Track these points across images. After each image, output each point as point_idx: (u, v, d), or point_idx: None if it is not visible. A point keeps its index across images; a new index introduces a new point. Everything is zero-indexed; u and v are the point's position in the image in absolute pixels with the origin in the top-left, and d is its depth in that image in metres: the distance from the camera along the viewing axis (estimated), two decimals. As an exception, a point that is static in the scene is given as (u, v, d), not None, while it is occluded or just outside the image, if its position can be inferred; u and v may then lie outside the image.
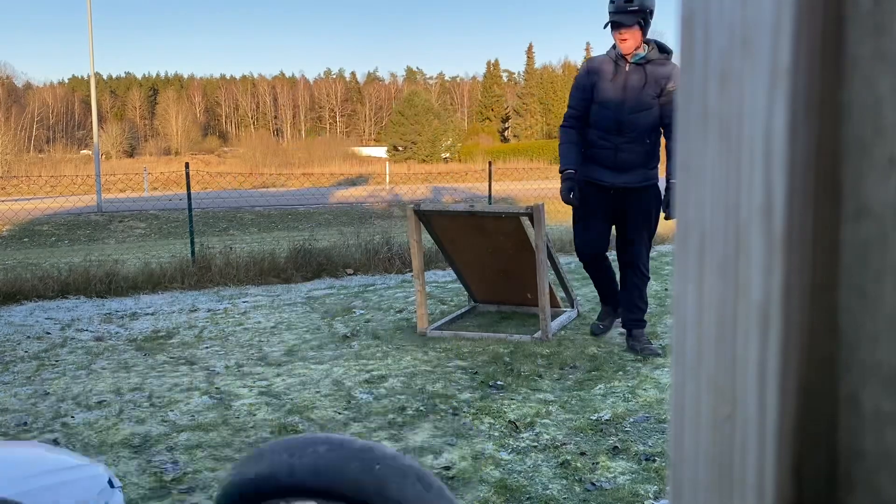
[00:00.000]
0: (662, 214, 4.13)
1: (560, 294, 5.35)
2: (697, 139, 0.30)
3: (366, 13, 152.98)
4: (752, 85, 0.28)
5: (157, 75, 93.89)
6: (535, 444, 3.01)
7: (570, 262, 6.51)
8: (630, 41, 3.97)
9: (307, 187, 24.81)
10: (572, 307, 5.33)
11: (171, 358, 4.36)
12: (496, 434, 3.12)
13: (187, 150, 67.82)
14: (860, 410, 0.28)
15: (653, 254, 8.18)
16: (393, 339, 4.69)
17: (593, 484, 2.65)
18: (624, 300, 4.31)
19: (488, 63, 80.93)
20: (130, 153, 68.02)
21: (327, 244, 7.97)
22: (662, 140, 4.14)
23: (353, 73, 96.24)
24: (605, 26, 4.05)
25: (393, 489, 0.57)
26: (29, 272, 6.70)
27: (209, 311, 5.64)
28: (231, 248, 7.79)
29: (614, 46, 4.07)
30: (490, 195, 11.26)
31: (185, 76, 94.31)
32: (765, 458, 0.28)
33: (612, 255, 4.49)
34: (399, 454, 0.61)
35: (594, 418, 3.27)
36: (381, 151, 57.70)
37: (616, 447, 2.96)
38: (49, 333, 4.96)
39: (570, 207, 4.30)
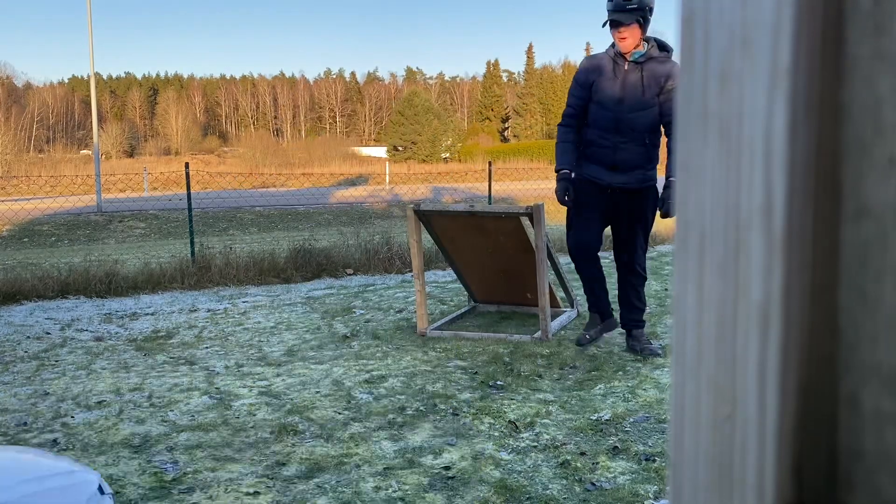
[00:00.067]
0: (659, 213, 4.09)
1: (560, 294, 5.35)
2: (697, 139, 0.30)
3: (366, 13, 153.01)
4: (752, 85, 0.28)
5: (157, 75, 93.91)
6: (535, 444, 3.01)
7: (569, 262, 6.50)
8: (629, 39, 3.93)
9: (307, 187, 24.80)
10: (572, 307, 5.33)
11: (171, 358, 4.36)
12: (496, 434, 3.12)
13: (187, 150, 67.81)
14: (860, 410, 0.28)
15: (653, 254, 8.20)
16: (393, 339, 4.69)
17: (593, 484, 2.65)
18: (622, 300, 4.30)
19: (488, 63, 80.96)
20: (130, 153, 68.00)
21: (327, 244, 7.97)
22: (663, 140, 4.11)
23: (353, 73, 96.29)
24: (604, 25, 4.01)
25: None
26: (29, 272, 6.70)
27: (209, 311, 5.64)
28: (231, 248, 7.79)
29: (613, 45, 4.03)
30: (490, 195, 11.26)
31: (185, 76, 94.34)
32: (765, 458, 0.28)
33: (606, 257, 4.49)
34: None
35: (594, 418, 3.27)
36: (381, 151, 57.69)
37: (616, 447, 2.96)
38: (49, 333, 4.96)
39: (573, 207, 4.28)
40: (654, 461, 2.82)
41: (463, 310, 5.41)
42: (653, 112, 3.98)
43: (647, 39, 4.00)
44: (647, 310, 5.29)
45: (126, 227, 14.50)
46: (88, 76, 19.58)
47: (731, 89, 0.29)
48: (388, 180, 27.03)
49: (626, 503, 2.52)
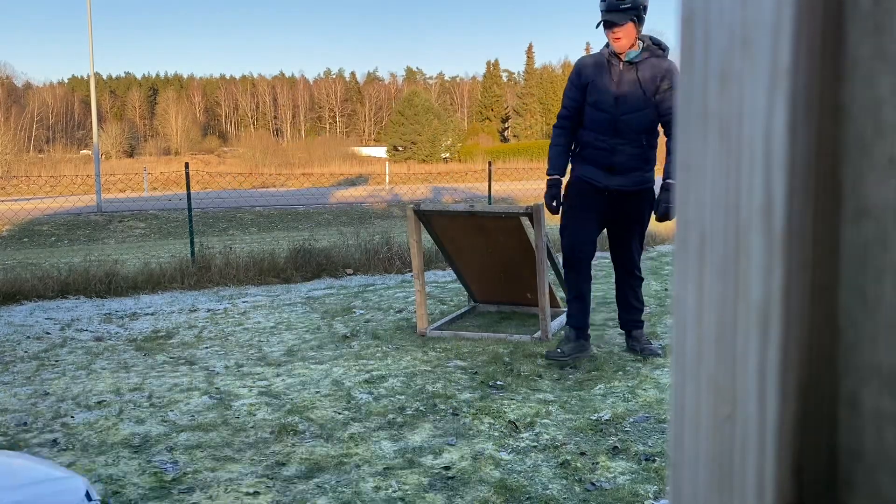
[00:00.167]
0: (654, 216, 4.03)
1: (560, 294, 5.35)
2: (697, 139, 0.30)
3: (366, 13, 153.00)
4: (752, 85, 0.28)
5: (157, 75, 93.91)
6: (535, 444, 3.01)
7: (569, 262, 6.50)
8: (624, 39, 3.87)
9: (307, 187, 24.81)
10: (572, 307, 5.33)
11: (171, 358, 4.36)
12: (496, 434, 3.12)
13: (187, 150, 67.81)
14: (860, 410, 0.28)
15: (653, 254, 8.21)
16: (393, 339, 4.69)
17: (593, 484, 2.65)
18: (621, 302, 4.28)
19: (488, 63, 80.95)
20: (130, 153, 68.00)
21: (327, 244, 7.97)
22: (661, 140, 4.07)
23: (352, 73, 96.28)
24: (598, 26, 3.94)
25: None
26: (29, 272, 6.70)
27: (209, 311, 5.64)
28: (231, 248, 7.79)
29: (608, 45, 3.97)
30: (490, 195, 11.26)
31: (185, 76, 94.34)
32: (765, 458, 0.28)
33: (604, 257, 4.48)
34: None
35: (594, 418, 3.27)
36: (380, 151, 57.70)
37: (616, 447, 2.96)
38: (49, 333, 4.96)
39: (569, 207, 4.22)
40: (654, 461, 2.82)
41: (463, 310, 5.41)
42: (650, 113, 3.91)
43: (641, 39, 3.95)
44: (647, 309, 5.29)
45: (126, 227, 14.50)
46: (88, 76, 19.58)
47: (731, 89, 0.29)
48: (387, 180, 27.04)
49: (626, 503, 2.52)
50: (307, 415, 3.34)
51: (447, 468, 2.79)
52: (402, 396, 3.57)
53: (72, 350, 4.55)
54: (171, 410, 3.42)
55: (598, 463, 2.82)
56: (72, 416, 3.36)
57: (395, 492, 2.60)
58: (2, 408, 3.49)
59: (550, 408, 3.41)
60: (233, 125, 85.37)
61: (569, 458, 2.86)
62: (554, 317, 4.92)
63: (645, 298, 5.61)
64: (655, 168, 4.10)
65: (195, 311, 5.66)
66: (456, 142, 57.60)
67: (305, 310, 5.61)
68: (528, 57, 75.90)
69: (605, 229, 4.21)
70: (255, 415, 3.36)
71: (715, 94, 0.29)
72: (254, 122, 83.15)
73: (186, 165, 8.09)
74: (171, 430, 3.18)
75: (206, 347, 4.59)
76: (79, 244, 12.45)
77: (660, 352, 4.19)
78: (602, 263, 5.82)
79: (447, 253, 5.15)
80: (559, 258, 4.54)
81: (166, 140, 73.90)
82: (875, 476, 0.27)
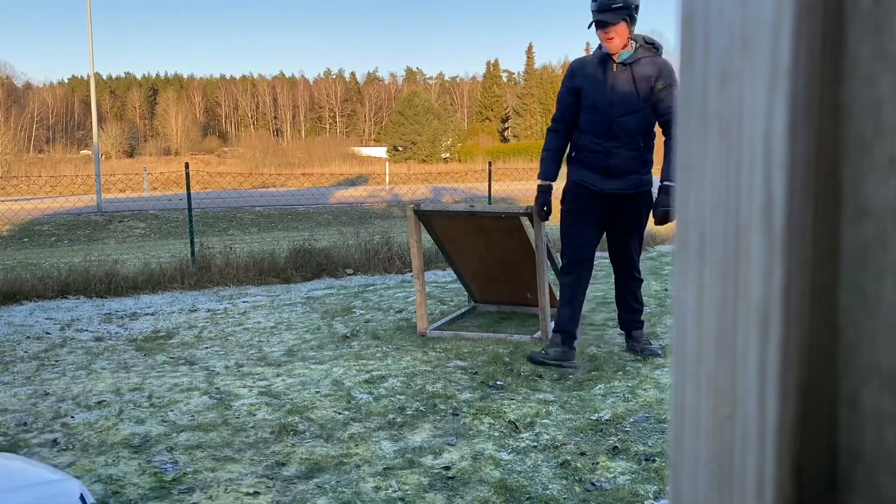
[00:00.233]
0: (653, 219, 3.99)
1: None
2: (697, 139, 0.30)
3: (366, 13, 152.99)
4: (752, 85, 0.28)
5: (157, 75, 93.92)
6: (535, 444, 3.01)
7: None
8: (617, 39, 3.81)
9: (307, 187, 24.81)
10: (572, 307, 5.33)
11: (171, 358, 4.36)
12: (496, 434, 3.12)
13: (187, 150, 67.81)
14: (860, 410, 0.28)
15: (653, 254, 8.21)
16: (393, 339, 4.69)
17: (593, 484, 2.65)
18: (620, 303, 4.27)
19: (488, 63, 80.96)
20: (130, 153, 68.01)
21: (327, 244, 7.97)
22: (658, 141, 4.03)
23: (352, 73, 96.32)
24: (590, 26, 3.88)
25: None
26: (29, 272, 6.70)
27: (209, 311, 5.64)
28: (231, 248, 7.79)
29: (600, 47, 3.92)
30: (490, 195, 11.26)
31: (185, 76, 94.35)
32: (765, 458, 0.28)
33: (602, 257, 4.48)
34: None
35: (594, 418, 3.27)
36: (381, 151, 57.71)
37: (616, 447, 2.96)
38: (49, 333, 4.96)
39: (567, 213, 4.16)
40: (654, 461, 2.82)
41: (463, 310, 5.41)
42: (645, 113, 3.86)
43: (634, 39, 3.89)
44: (647, 309, 5.29)
45: (126, 227, 14.50)
46: (88, 76, 19.58)
47: (731, 89, 0.29)
48: (388, 180, 27.04)
49: (626, 503, 2.52)
50: (307, 415, 3.34)
51: (447, 468, 2.79)
52: (402, 396, 3.57)
53: (72, 350, 4.55)
54: (171, 410, 3.42)
55: (598, 463, 2.82)
56: (72, 416, 3.36)
57: (395, 492, 2.60)
58: (2, 408, 3.49)
59: (550, 408, 3.41)
60: (233, 125, 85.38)
61: (569, 458, 2.86)
62: (554, 317, 4.92)
63: (645, 298, 5.61)
64: (652, 170, 4.05)
65: (195, 311, 5.66)
66: (456, 142, 57.61)
67: (305, 310, 5.61)
68: (528, 57, 75.92)
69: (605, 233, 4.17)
70: (255, 415, 3.36)
71: (715, 94, 0.29)
72: (254, 123, 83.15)
73: (186, 165, 8.09)
74: (171, 430, 3.18)
75: (206, 347, 4.59)
76: (79, 244, 12.45)
77: (660, 352, 4.19)
78: (602, 263, 5.81)
79: (447, 253, 5.15)
80: (559, 258, 4.53)
81: (166, 140, 73.91)
82: (875, 476, 0.27)
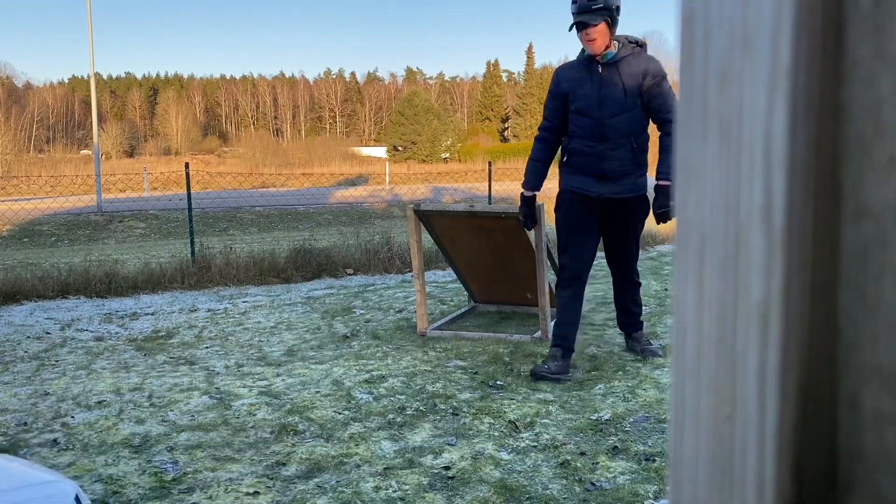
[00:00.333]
0: (654, 217, 3.91)
1: (560, 294, 5.35)
2: (697, 139, 0.30)
3: (366, 13, 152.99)
4: (752, 85, 0.28)
5: (157, 75, 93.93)
6: (535, 444, 3.01)
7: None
8: (598, 40, 3.74)
9: (307, 187, 24.82)
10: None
11: (171, 358, 4.36)
12: (496, 434, 3.12)
13: (187, 150, 67.83)
14: (860, 410, 0.28)
15: (653, 254, 8.21)
16: (393, 339, 4.69)
17: (593, 484, 2.65)
18: (619, 306, 4.23)
19: (488, 63, 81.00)
20: (130, 153, 68.02)
21: (327, 244, 7.97)
22: (653, 143, 3.94)
23: (353, 73, 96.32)
24: (571, 28, 3.81)
25: None
26: (29, 272, 6.70)
27: (209, 311, 5.64)
28: (231, 248, 7.79)
29: (583, 50, 3.85)
30: (490, 195, 11.26)
31: (185, 76, 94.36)
32: (765, 458, 0.28)
33: (600, 257, 4.48)
34: None
35: (594, 418, 3.27)
36: (381, 151, 57.73)
37: (616, 447, 2.96)
38: (49, 333, 4.96)
39: (563, 222, 4.07)
40: (654, 461, 2.82)
41: (463, 310, 5.41)
42: (637, 112, 3.79)
43: (617, 39, 3.82)
44: (647, 309, 5.29)
45: (126, 227, 14.50)
46: (88, 76, 19.59)
47: (731, 89, 0.29)
48: (388, 180, 27.05)
49: (626, 503, 2.52)
50: (307, 415, 3.34)
51: (447, 468, 2.79)
52: (402, 396, 3.57)
53: (72, 350, 4.55)
54: (171, 410, 3.42)
55: (598, 463, 2.82)
56: (72, 416, 3.36)
57: (395, 492, 2.60)
58: (2, 408, 3.49)
59: (550, 408, 3.41)
60: (233, 125, 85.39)
61: (569, 458, 2.86)
62: (553, 317, 4.92)
63: (645, 298, 5.62)
64: (647, 173, 3.97)
65: (195, 311, 5.66)
66: (456, 142, 57.62)
67: (305, 310, 5.61)
68: (528, 57, 75.93)
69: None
70: (255, 415, 3.36)
71: (715, 94, 0.29)
72: (254, 123, 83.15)
73: (186, 165, 8.09)
74: (171, 430, 3.18)
75: (207, 347, 4.59)
76: (79, 244, 12.46)
77: (660, 352, 4.19)
78: (602, 263, 5.81)
79: (447, 253, 5.15)
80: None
81: (166, 140, 73.92)
82: (875, 476, 0.27)
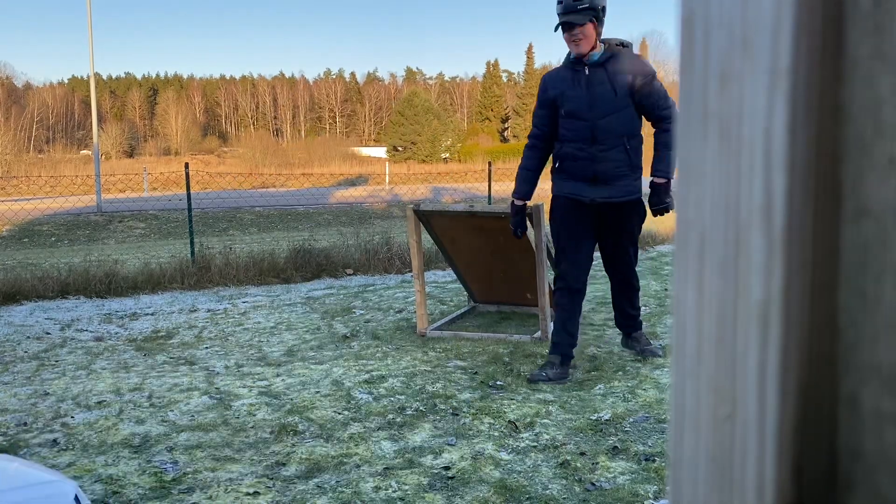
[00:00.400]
0: (650, 212, 3.86)
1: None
2: (697, 139, 0.30)
3: (366, 13, 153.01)
4: (752, 85, 0.28)
5: (157, 75, 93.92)
6: (535, 444, 3.01)
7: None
8: (584, 41, 3.69)
9: (307, 187, 24.82)
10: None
11: (171, 358, 4.36)
12: (496, 434, 3.12)
13: (187, 150, 67.84)
14: (860, 410, 0.28)
15: (653, 254, 8.20)
16: (393, 340, 4.69)
17: (593, 484, 2.65)
18: (616, 308, 4.16)
19: (488, 63, 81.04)
20: (130, 153, 68.02)
21: (327, 244, 7.97)
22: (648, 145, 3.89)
23: (352, 74, 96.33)
24: (556, 29, 3.75)
25: None
26: (29, 272, 6.70)
27: (209, 311, 5.64)
28: (231, 248, 7.79)
29: (569, 54, 3.81)
30: (490, 195, 11.26)
31: (185, 76, 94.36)
32: (765, 458, 0.28)
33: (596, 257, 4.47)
34: None
35: (594, 418, 3.27)
36: (380, 152, 57.75)
37: (616, 447, 2.96)
38: (49, 333, 4.96)
39: (558, 229, 4.00)
40: (654, 461, 2.82)
41: (463, 310, 5.41)
42: (627, 113, 3.74)
43: (603, 41, 3.78)
44: (647, 309, 5.29)
45: (126, 228, 14.50)
46: (88, 76, 19.59)
47: (731, 89, 0.29)
48: (387, 180, 27.05)
49: (626, 503, 2.52)
50: (307, 415, 3.34)
51: (447, 468, 2.79)
52: (402, 396, 3.57)
53: (72, 350, 4.55)
54: (171, 410, 3.42)
55: (598, 463, 2.82)
56: (72, 416, 3.36)
57: (394, 492, 2.60)
58: (2, 408, 3.49)
59: (550, 408, 3.41)
60: (233, 125, 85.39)
61: (569, 458, 2.86)
62: (553, 318, 4.92)
63: (645, 298, 5.62)
64: (642, 176, 3.89)
65: (195, 311, 5.66)
66: (456, 142, 57.64)
67: (305, 310, 5.61)
68: (528, 57, 75.97)
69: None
70: (255, 415, 3.36)
71: (715, 94, 0.29)
72: (254, 123, 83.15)
73: (186, 166, 8.09)
74: (171, 430, 3.18)
75: (206, 347, 4.59)
76: (79, 244, 12.45)
77: (660, 352, 4.19)
78: (601, 264, 5.81)
79: (447, 253, 5.15)
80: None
81: (166, 140, 73.93)
82: (875, 476, 0.27)
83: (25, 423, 3.28)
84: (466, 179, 25.77)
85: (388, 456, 2.91)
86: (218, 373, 4.01)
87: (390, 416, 3.32)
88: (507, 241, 4.70)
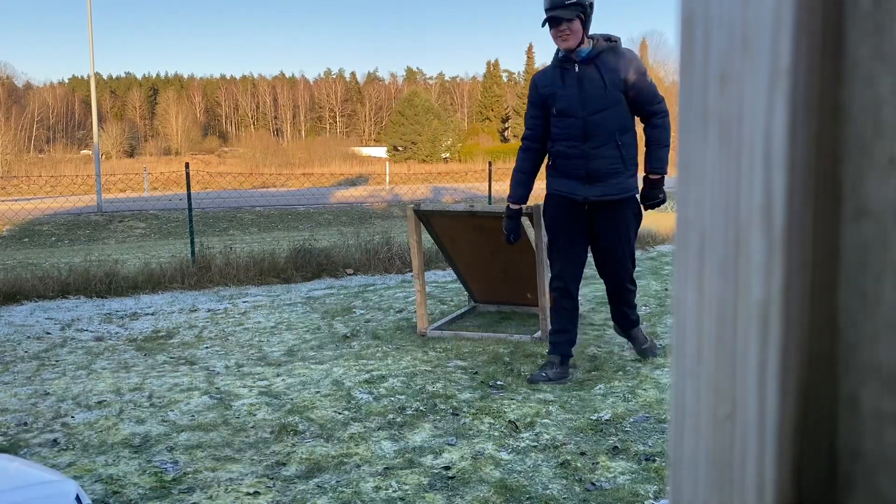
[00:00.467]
0: (643, 206, 3.83)
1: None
2: (697, 139, 0.30)
3: (366, 13, 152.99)
4: (752, 85, 0.28)
5: (157, 75, 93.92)
6: (535, 444, 3.01)
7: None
8: (571, 37, 3.64)
9: (307, 187, 24.82)
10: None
11: (171, 358, 4.36)
12: (496, 434, 3.12)
13: (187, 150, 67.84)
14: (860, 410, 0.28)
15: (653, 254, 8.21)
16: (393, 339, 4.69)
17: (593, 484, 2.65)
18: (613, 310, 4.10)
19: (488, 63, 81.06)
20: (130, 153, 68.02)
21: (327, 244, 7.97)
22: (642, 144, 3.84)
23: (353, 73, 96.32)
24: (543, 25, 3.70)
25: None
26: (29, 272, 6.70)
27: (209, 311, 5.64)
28: (231, 248, 7.79)
29: (558, 52, 3.77)
30: (490, 195, 11.26)
31: (185, 76, 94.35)
32: (765, 458, 0.28)
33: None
34: None
35: (594, 418, 3.27)
36: (381, 151, 57.76)
37: (616, 447, 2.96)
38: (49, 333, 4.96)
39: (551, 229, 3.96)
40: (654, 461, 2.82)
41: (463, 310, 5.41)
42: (620, 109, 3.69)
43: (591, 37, 3.74)
44: (647, 309, 5.29)
45: (126, 227, 14.50)
46: (88, 76, 19.59)
47: (731, 89, 0.29)
48: (388, 180, 27.05)
49: (626, 503, 2.52)
50: (307, 415, 3.34)
51: (447, 468, 2.79)
52: (402, 396, 3.57)
53: (72, 350, 4.55)
54: (172, 410, 3.42)
55: (598, 463, 2.82)
56: (72, 416, 3.36)
57: (395, 492, 2.60)
58: (2, 408, 3.49)
59: (550, 408, 3.41)
60: (233, 125, 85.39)
61: (569, 458, 2.86)
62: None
63: (645, 298, 5.63)
64: (637, 173, 3.85)
65: (195, 311, 5.66)
66: (456, 142, 57.65)
67: (305, 310, 5.61)
68: (528, 57, 75.94)
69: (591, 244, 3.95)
70: (255, 415, 3.36)
71: (715, 94, 0.29)
72: (254, 123, 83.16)
73: (187, 165, 8.09)
74: (171, 430, 3.18)
75: (207, 347, 4.59)
76: (79, 244, 12.46)
77: (660, 352, 4.18)
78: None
79: (447, 253, 5.15)
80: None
81: (166, 140, 73.92)
82: (875, 476, 0.27)
83: (26, 423, 3.28)
84: (467, 179, 25.78)
85: (388, 456, 2.91)
86: (218, 373, 4.01)
87: (390, 416, 3.32)
88: (508, 241, 4.70)
